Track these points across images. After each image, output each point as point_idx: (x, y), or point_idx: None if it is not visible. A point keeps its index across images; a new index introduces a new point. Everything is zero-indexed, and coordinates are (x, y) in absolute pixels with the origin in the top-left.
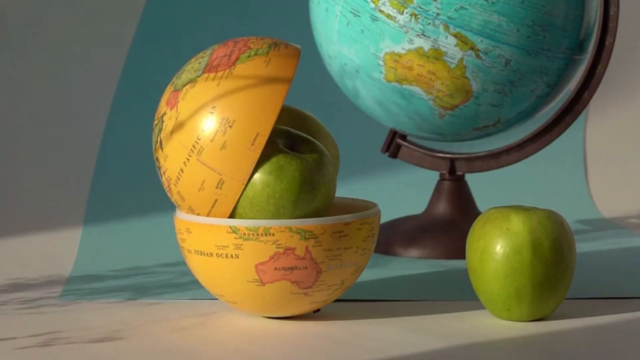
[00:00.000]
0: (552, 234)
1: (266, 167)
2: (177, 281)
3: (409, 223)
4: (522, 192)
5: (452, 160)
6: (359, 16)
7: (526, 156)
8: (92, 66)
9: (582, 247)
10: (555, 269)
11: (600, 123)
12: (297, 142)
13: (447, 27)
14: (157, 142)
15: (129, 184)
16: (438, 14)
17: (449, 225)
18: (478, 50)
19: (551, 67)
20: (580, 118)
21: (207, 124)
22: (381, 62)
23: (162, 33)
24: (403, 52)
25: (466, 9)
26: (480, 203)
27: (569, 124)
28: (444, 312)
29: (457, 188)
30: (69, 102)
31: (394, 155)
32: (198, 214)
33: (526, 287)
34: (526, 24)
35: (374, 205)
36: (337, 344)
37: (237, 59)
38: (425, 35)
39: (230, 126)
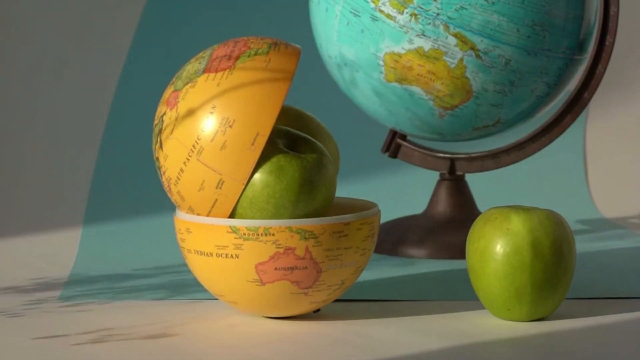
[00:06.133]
0: (552, 234)
1: (266, 167)
2: (177, 281)
3: (409, 223)
4: (522, 192)
5: (452, 160)
6: (359, 16)
7: (526, 156)
8: (92, 66)
9: (582, 247)
10: (555, 269)
11: (600, 123)
12: (297, 142)
13: (447, 27)
14: (157, 142)
15: (129, 184)
16: (438, 14)
17: (449, 225)
18: (478, 50)
19: (551, 67)
20: (580, 118)
21: (207, 124)
22: (381, 62)
23: (162, 33)
24: (403, 52)
25: (466, 9)
26: (480, 203)
27: (569, 124)
28: (444, 312)
29: (457, 188)
30: (69, 101)
31: (394, 155)
32: (198, 214)
33: (526, 287)
34: (526, 24)
35: (374, 205)
36: (337, 344)
37: (237, 59)
38: (425, 35)
39: (230, 126)
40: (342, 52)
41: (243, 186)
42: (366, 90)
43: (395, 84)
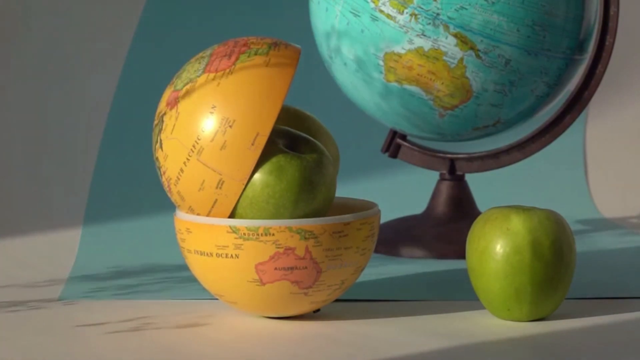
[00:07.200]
0: (552, 234)
1: (266, 167)
2: (177, 281)
3: (408, 223)
4: (522, 192)
5: (452, 160)
6: (359, 16)
7: (526, 156)
8: (92, 66)
9: (582, 247)
10: (555, 269)
11: (600, 123)
12: (297, 142)
13: (447, 27)
14: (157, 142)
15: (129, 184)
16: (438, 14)
17: (449, 225)
18: (478, 50)
19: (551, 67)
20: (580, 118)
21: (207, 124)
22: (381, 62)
23: (162, 33)
24: (403, 52)
25: (466, 9)
26: (480, 203)
27: (569, 124)
28: (444, 312)
29: (457, 188)
30: (69, 101)
31: (394, 155)
32: (198, 214)
33: (526, 287)
34: (526, 24)
35: (374, 205)
36: (337, 344)
37: (237, 59)
38: (425, 35)
39: (230, 126)
40: (342, 52)
41: (243, 186)
42: (366, 90)
43: (395, 84)
